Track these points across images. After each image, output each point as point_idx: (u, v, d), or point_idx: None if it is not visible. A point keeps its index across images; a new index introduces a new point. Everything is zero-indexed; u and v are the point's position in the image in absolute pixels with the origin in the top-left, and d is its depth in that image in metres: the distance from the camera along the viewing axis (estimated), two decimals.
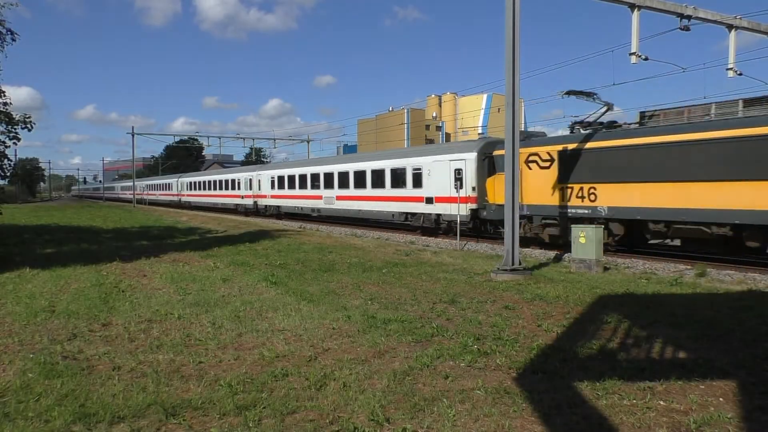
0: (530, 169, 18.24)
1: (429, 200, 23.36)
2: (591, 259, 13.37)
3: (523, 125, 43.21)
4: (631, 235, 16.27)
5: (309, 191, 33.04)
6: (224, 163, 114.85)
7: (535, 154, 18.14)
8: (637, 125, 16.28)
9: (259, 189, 40.17)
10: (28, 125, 16.16)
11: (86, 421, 4.58)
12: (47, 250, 17.24)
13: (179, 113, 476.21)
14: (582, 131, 17.50)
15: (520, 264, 12.63)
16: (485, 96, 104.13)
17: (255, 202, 41.08)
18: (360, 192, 27.85)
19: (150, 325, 7.82)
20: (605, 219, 16.17)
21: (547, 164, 17.79)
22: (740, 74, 17.32)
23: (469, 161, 21.49)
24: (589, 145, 16.50)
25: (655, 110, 16.46)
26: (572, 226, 14.39)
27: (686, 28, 15.70)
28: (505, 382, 5.55)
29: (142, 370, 5.91)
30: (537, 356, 6.35)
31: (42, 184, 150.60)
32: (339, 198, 29.54)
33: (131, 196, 72.98)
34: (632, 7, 14.81)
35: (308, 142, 66.00)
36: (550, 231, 17.99)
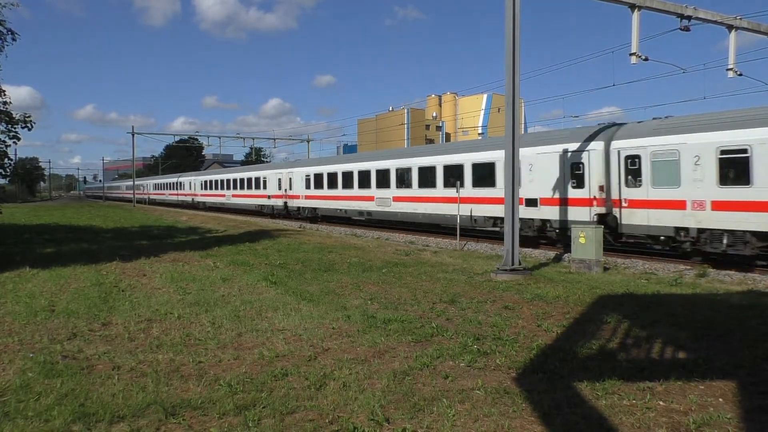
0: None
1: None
2: (591, 259, 13.37)
3: (523, 125, 43.62)
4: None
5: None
6: (224, 162, 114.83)
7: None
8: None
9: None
10: (29, 125, 16.16)
11: (86, 420, 4.58)
12: (47, 250, 17.24)
13: (179, 113, 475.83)
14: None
15: (519, 264, 12.63)
16: (485, 96, 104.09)
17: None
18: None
19: (150, 325, 7.82)
20: None
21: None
22: (740, 75, 17.33)
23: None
24: None
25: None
26: (572, 226, 14.40)
27: (686, 29, 15.69)
28: (505, 382, 5.55)
29: (141, 369, 5.92)
30: (537, 356, 6.35)
31: (42, 183, 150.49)
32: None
33: (174, 198, 64.74)
34: (632, 7, 14.80)
35: (308, 141, 65.98)
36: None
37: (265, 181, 39.29)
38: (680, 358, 6.31)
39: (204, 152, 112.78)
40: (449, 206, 21.22)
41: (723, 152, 13.71)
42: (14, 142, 16.07)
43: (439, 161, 22.54)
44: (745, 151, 13.35)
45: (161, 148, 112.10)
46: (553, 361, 6.15)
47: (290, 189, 35.30)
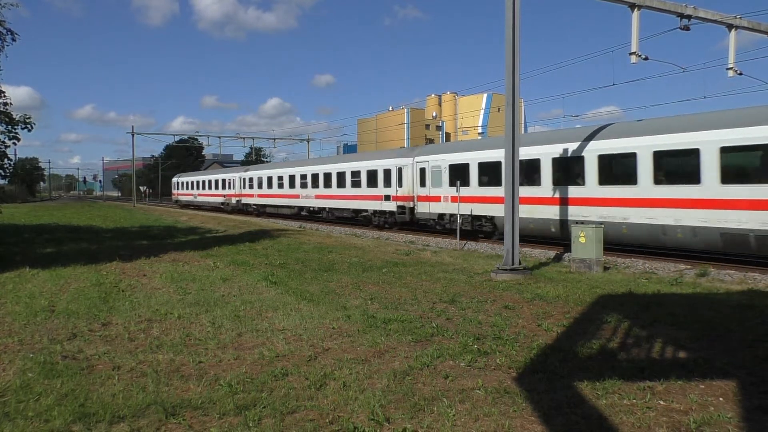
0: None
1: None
2: (591, 258, 13.36)
3: (523, 125, 43.83)
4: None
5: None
6: (224, 162, 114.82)
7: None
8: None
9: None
10: (29, 125, 16.11)
11: (86, 420, 4.58)
12: (47, 250, 17.24)
13: (178, 113, 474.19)
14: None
15: (520, 264, 12.63)
16: (485, 96, 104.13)
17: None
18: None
19: (150, 325, 7.82)
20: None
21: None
22: (740, 74, 17.33)
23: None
24: None
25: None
26: (572, 226, 14.40)
27: (686, 28, 15.69)
28: (505, 381, 5.55)
29: (141, 369, 5.91)
30: (537, 356, 6.35)
31: (42, 183, 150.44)
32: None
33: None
34: (632, 6, 14.80)
35: (308, 141, 66.03)
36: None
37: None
38: (680, 358, 6.31)
39: (204, 152, 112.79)
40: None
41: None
42: (14, 143, 16.05)
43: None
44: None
45: (161, 148, 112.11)
46: (554, 360, 6.15)
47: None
